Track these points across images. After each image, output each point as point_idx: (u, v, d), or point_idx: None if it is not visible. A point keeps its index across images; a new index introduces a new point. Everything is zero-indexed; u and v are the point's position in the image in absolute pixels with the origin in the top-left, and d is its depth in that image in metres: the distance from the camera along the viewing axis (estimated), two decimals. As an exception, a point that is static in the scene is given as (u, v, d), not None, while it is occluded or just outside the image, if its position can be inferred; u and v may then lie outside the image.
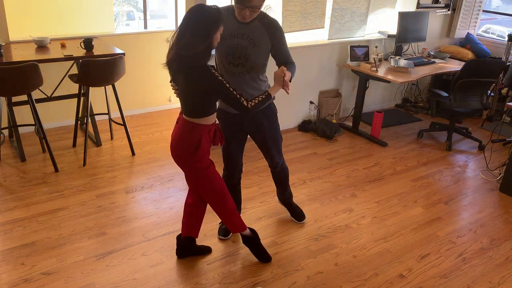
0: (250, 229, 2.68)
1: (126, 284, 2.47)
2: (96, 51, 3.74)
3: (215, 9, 2.10)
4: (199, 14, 2.08)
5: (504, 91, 5.15)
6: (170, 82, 2.34)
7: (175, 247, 2.77)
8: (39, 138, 3.98)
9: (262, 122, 2.64)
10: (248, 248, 2.73)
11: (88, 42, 3.72)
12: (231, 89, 2.16)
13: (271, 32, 2.44)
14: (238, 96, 2.18)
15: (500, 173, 3.95)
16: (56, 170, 3.60)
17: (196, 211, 2.59)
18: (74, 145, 4.05)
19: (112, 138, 4.25)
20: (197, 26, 2.07)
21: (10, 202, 3.15)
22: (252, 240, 2.69)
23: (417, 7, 5.19)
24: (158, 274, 2.56)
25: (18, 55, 3.50)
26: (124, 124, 3.91)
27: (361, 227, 3.12)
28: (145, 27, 7.33)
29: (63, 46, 3.86)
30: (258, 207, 3.28)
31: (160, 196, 3.35)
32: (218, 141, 2.42)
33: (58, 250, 2.70)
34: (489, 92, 4.41)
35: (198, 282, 2.52)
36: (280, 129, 4.48)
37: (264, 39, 2.43)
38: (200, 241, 2.85)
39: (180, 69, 2.14)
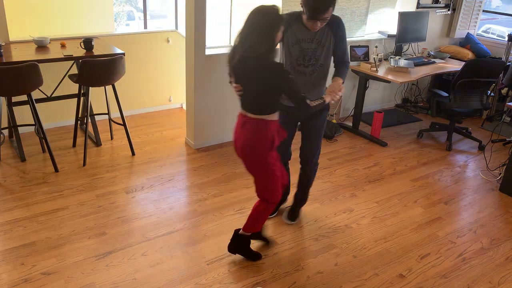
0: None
1: (126, 284, 2.48)
2: (96, 51, 3.74)
3: (275, 9, 2.17)
4: (261, 15, 2.15)
5: (504, 91, 5.15)
6: (231, 83, 2.40)
7: (175, 247, 2.78)
8: (39, 138, 3.98)
9: (319, 111, 2.78)
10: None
11: (88, 42, 3.72)
12: (298, 86, 2.28)
13: (334, 31, 2.60)
14: (303, 94, 2.29)
15: (500, 173, 3.95)
16: (56, 170, 3.60)
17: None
18: (74, 145, 4.05)
19: (112, 138, 4.25)
20: (260, 27, 2.13)
21: (10, 202, 3.15)
22: (246, 241, 2.71)
23: (417, 7, 5.20)
24: (158, 274, 2.56)
25: (18, 55, 3.50)
26: (124, 124, 3.91)
27: (361, 227, 3.12)
28: (145, 27, 7.33)
29: (63, 46, 3.86)
30: (258, 207, 3.28)
31: (160, 196, 3.35)
32: (282, 136, 2.51)
33: (58, 250, 2.70)
34: (489, 92, 4.41)
35: (198, 282, 2.52)
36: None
37: (329, 39, 2.60)
38: (200, 240, 2.86)
39: (249, 70, 2.21)
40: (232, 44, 2.27)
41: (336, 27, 2.60)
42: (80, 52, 3.70)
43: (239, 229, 2.69)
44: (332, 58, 2.70)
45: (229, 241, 2.72)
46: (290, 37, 2.56)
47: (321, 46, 2.59)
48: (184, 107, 5.04)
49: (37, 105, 3.60)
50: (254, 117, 2.33)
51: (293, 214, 3.15)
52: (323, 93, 2.68)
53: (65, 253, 2.68)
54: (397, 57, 4.77)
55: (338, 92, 2.42)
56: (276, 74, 2.20)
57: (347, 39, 4.79)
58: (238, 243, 2.69)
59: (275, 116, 2.35)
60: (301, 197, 3.16)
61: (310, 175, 3.03)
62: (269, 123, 2.33)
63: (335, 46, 2.64)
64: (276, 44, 2.22)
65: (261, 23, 2.14)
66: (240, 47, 2.18)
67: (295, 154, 3.05)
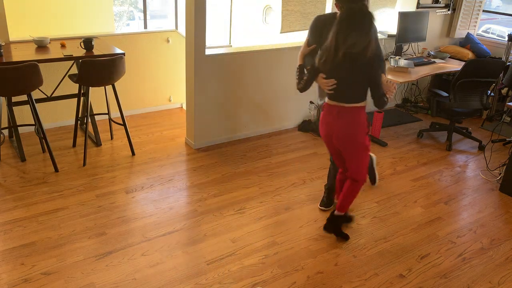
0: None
1: (126, 284, 2.48)
2: (96, 51, 3.75)
3: (368, 8, 2.45)
4: (360, 14, 2.40)
5: (504, 91, 5.15)
6: (324, 79, 2.61)
7: (175, 247, 2.78)
8: (39, 138, 3.98)
9: None
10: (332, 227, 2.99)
11: (88, 42, 3.72)
12: (382, 81, 2.57)
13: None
14: (383, 89, 2.58)
15: (500, 173, 3.95)
16: (56, 170, 3.60)
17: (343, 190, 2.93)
18: (74, 145, 4.05)
19: (112, 138, 4.25)
20: (360, 25, 2.40)
21: (10, 202, 3.15)
22: (338, 219, 2.99)
23: (417, 7, 5.19)
24: (158, 274, 2.56)
25: (18, 55, 3.50)
26: (124, 124, 3.91)
27: (361, 227, 3.12)
28: (145, 27, 7.33)
29: (63, 46, 3.86)
30: (258, 207, 3.28)
31: (160, 196, 3.35)
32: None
33: (58, 250, 2.70)
34: (489, 92, 4.41)
35: (198, 282, 2.52)
36: (280, 129, 4.49)
37: None
38: (200, 240, 2.87)
39: (352, 65, 2.50)
40: (330, 43, 2.48)
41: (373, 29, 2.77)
42: (80, 52, 3.70)
43: (334, 211, 2.97)
44: None
45: (325, 222, 3.01)
46: (326, 36, 2.71)
47: None
48: (184, 107, 5.04)
49: (37, 105, 3.61)
50: (350, 106, 2.62)
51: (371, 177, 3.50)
52: None
53: (65, 253, 2.68)
54: (397, 57, 4.77)
55: (393, 90, 2.62)
56: (375, 67, 2.53)
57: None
58: (335, 224, 2.97)
59: (366, 103, 2.66)
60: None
61: None
62: (363, 109, 2.65)
63: None
64: (371, 40, 2.45)
65: (361, 21, 2.40)
66: (342, 45, 2.43)
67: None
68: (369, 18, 2.42)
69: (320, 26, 2.74)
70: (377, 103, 2.60)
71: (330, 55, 2.51)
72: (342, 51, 2.44)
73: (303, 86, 2.72)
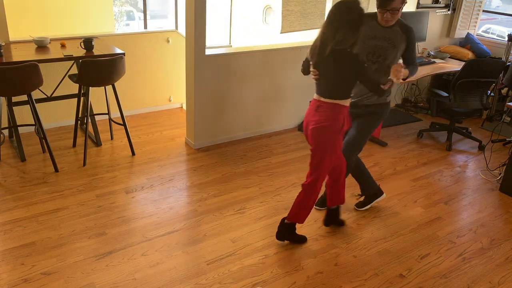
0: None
1: (126, 284, 2.48)
2: (96, 51, 3.75)
3: (359, 4, 2.39)
4: (351, 11, 2.36)
5: (504, 91, 5.15)
6: (311, 69, 2.61)
7: (175, 247, 2.78)
8: (39, 138, 3.98)
9: (368, 112, 2.95)
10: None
11: (88, 42, 3.72)
12: (372, 74, 2.63)
13: (409, 37, 2.82)
14: (375, 79, 2.56)
15: (500, 173, 3.95)
16: (56, 170, 3.60)
17: (337, 184, 2.93)
18: (74, 145, 4.05)
19: (112, 138, 4.25)
20: (349, 22, 2.36)
21: (10, 202, 3.15)
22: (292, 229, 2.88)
23: (417, 7, 5.20)
24: (158, 274, 2.56)
25: (18, 55, 3.50)
26: (124, 124, 3.91)
27: (361, 227, 3.12)
28: (145, 27, 7.33)
29: (63, 46, 3.86)
30: (258, 207, 3.28)
31: (160, 196, 3.35)
32: (347, 126, 2.68)
33: (58, 250, 2.70)
34: (489, 92, 4.41)
35: (198, 282, 2.52)
36: (280, 129, 4.49)
37: (402, 42, 2.81)
38: (200, 240, 2.87)
39: (334, 59, 2.45)
40: (318, 37, 2.48)
41: (411, 34, 2.81)
42: (80, 52, 3.70)
43: (285, 218, 2.86)
44: (403, 61, 2.91)
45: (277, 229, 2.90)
46: (365, 32, 2.79)
47: (392, 46, 2.78)
48: (184, 107, 5.04)
49: (37, 105, 3.60)
50: (329, 102, 2.56)
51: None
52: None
53: (65, 253, 2.68)
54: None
55: (401, 69, 2.56)
56: (355, 64, 2.47)
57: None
58: (285, 231, 2.86)
59: (347, 102, 2.59)
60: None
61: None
62: (342, 107, 2.57)
63: (407, 52, 2.86)
64: (358, 37, 2.45)
65: (351, 18, 2.36)
66: (331, 41, 2.39)
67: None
68: (358, 16, 2.37)
69: None
70: (374, 92, 2.57)
71: (317, 49, 2.49)
72: (330, 47, 2.41)
73: (302, 70, 2.78)
